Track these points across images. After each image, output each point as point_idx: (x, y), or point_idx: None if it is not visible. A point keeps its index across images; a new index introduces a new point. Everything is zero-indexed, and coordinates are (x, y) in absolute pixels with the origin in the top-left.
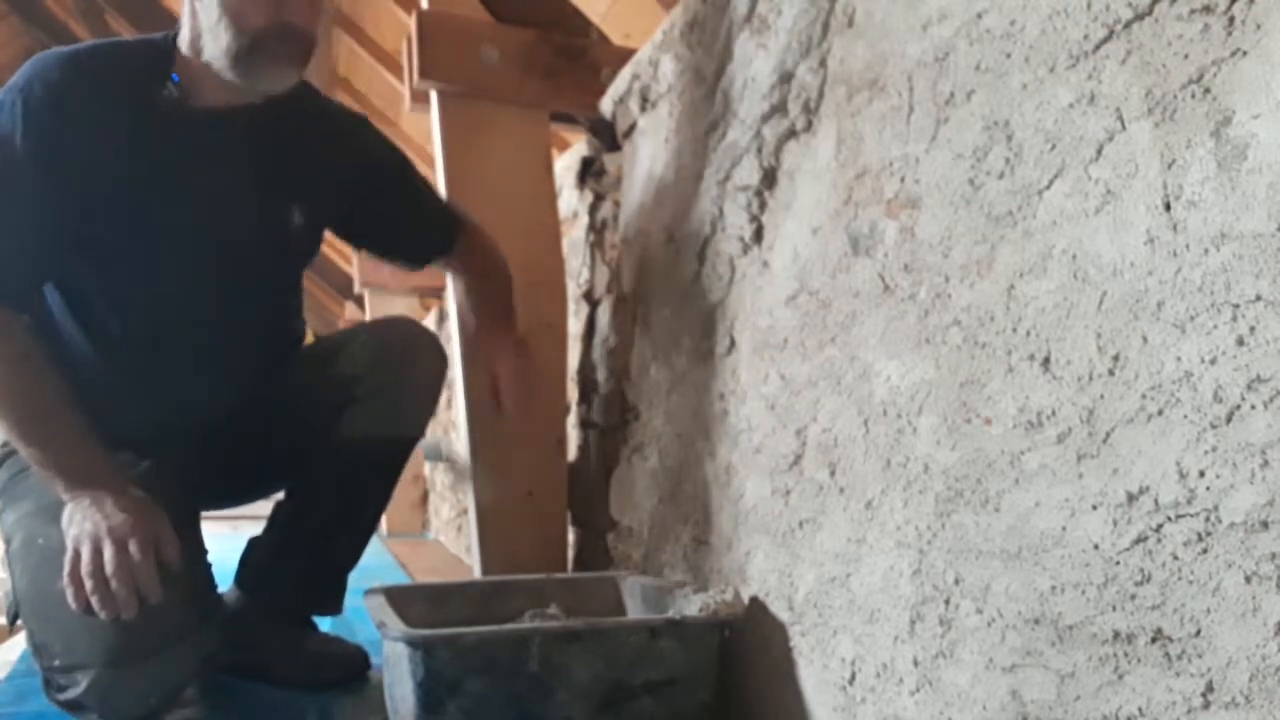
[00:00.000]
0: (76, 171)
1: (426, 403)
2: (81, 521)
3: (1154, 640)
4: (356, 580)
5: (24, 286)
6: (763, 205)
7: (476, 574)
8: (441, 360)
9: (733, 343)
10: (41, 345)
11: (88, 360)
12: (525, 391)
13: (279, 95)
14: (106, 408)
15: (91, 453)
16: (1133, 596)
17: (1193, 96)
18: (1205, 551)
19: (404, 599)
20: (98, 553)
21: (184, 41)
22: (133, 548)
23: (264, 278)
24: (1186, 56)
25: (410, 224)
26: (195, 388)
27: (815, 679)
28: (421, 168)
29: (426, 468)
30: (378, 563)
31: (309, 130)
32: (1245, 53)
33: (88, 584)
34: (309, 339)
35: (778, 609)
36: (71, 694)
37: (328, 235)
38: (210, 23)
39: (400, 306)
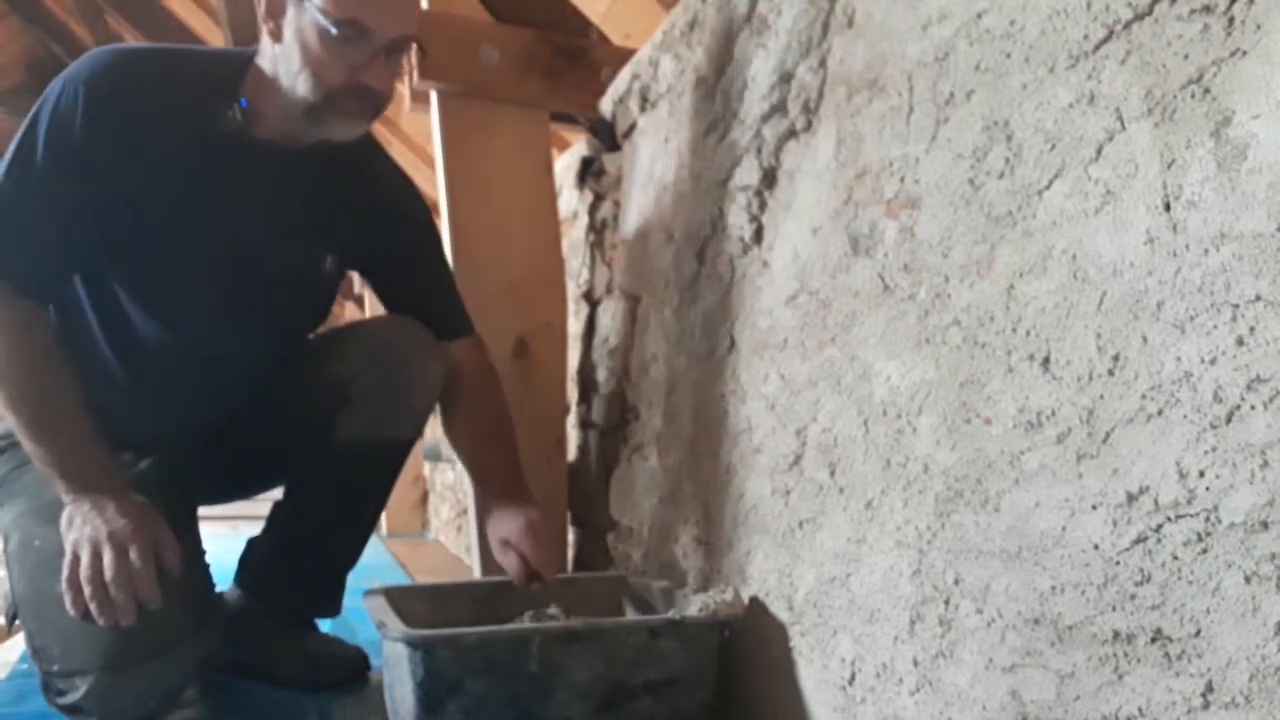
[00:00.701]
0: (126, 173)
1: (424, 403)
2: (81, 526)
3: (1154, 640)
4: (356, 580)
5: (55, 278)
6: (763, 205)
7: (476, 574)
8: (440, 360)
9: (733, 343)
10: (61, 343)
11: (101, 357)
12: (556, 558)
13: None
14: (113, 406)
15: (96, 456)
16: (1132, 596)
17: (1192, 96)
18: (1205, 552)
19: (404, 599)
20: (97, 558)
21: (262, 58)
22: (133, 554)
23: (286, 311)
24: (1186, 56)
25: (425, 301)
26: (203, 394)
27: (815, 679)
28: (422, 167)
29: (426, 468)
30: (378, 563)
31: (357, 180)
32: (1245, 53)
33: (86, 590)
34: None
35: (778, 609)
36: (71, 698)
37: None
38: (290, 70)
39: None
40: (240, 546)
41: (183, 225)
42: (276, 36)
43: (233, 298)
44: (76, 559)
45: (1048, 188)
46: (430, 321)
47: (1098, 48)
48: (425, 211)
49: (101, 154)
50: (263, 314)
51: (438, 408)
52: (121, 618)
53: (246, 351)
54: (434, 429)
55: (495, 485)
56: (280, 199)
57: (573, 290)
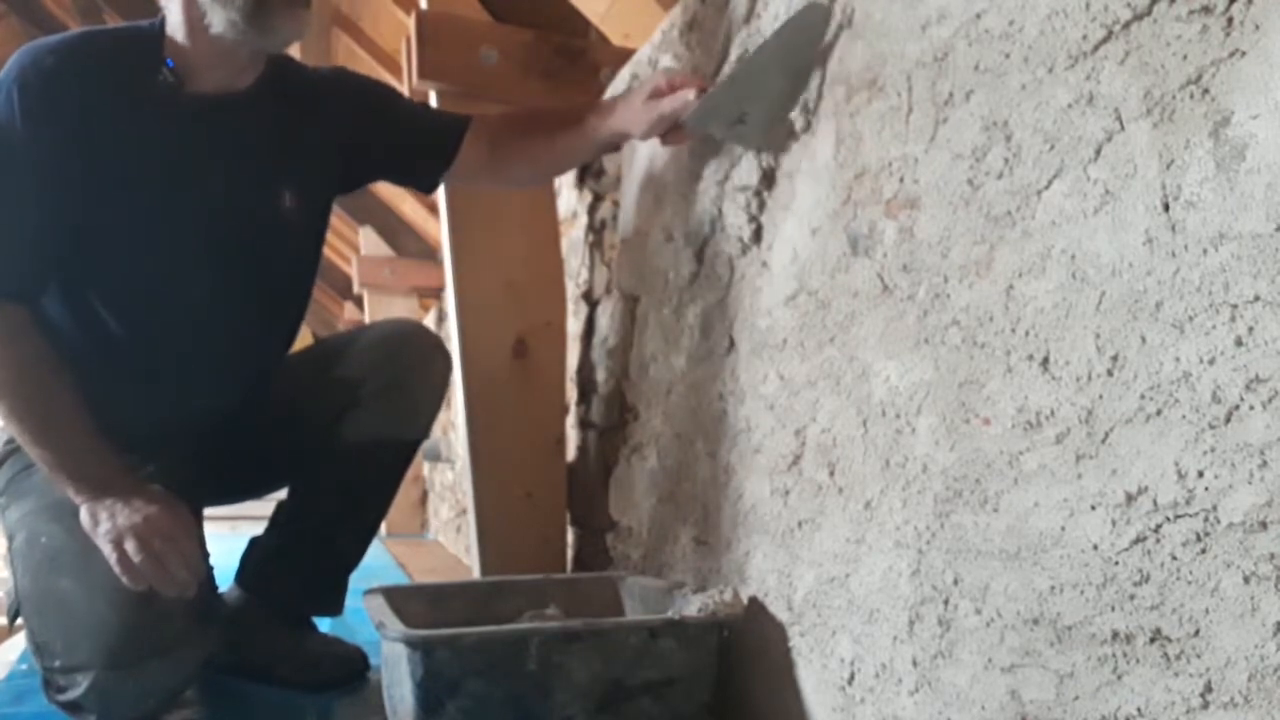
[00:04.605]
0: (78, 159)
1: (431, 406)
2: (110, 519)
3: (1153, 640)
4: (356, 580)
5: (34, 280)
6: (762, 205)
7: (476, 574)
8: (446, 363)
9: (732, 343)
10: (51, 346)
11: (87, 357)
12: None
13: (265, 75)
14: (109, 406)
15: (104, 455)
16: (1131, 597)
17: (1191, 97)
18: (1204, 552)
19: (403, 599)
20: (143, 540)
21: (175, 28)
22: (176, 534)
23: (272, 264)
24: (1185, 57)
25: (421, 131)
26: (196, 383)
27: (814, 679)
28: None
29: (426, 468)
30: (377, 563)
31: (300, 103)
32: (1244, 53)
33: (146, 570)
34: (307, 339)
35: (777, 609)
36: (71, 695)
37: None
38: None
39: (399, 306)
40: (240, 547)
41: (148, 199)
42: None
43: (216, 264)
44: (121, 547)
45: (1047, 188)
46: (440, 140)
47: (1096, 48)
48: (364, 81)
49: (47, 148)
50: (250, 273)
51: (511, 164)
52: (186, 589)
53: (242, 327)
54: (433, 429)
55: (586, 109)
56: (237, 149)
57: (572, 290)
